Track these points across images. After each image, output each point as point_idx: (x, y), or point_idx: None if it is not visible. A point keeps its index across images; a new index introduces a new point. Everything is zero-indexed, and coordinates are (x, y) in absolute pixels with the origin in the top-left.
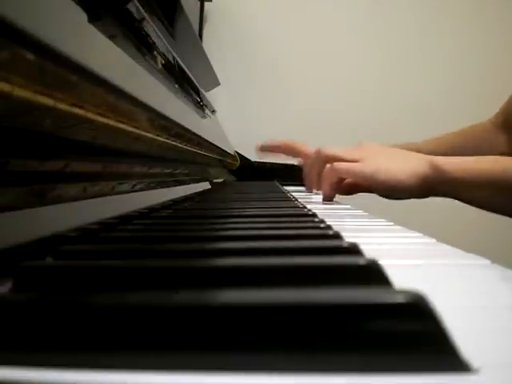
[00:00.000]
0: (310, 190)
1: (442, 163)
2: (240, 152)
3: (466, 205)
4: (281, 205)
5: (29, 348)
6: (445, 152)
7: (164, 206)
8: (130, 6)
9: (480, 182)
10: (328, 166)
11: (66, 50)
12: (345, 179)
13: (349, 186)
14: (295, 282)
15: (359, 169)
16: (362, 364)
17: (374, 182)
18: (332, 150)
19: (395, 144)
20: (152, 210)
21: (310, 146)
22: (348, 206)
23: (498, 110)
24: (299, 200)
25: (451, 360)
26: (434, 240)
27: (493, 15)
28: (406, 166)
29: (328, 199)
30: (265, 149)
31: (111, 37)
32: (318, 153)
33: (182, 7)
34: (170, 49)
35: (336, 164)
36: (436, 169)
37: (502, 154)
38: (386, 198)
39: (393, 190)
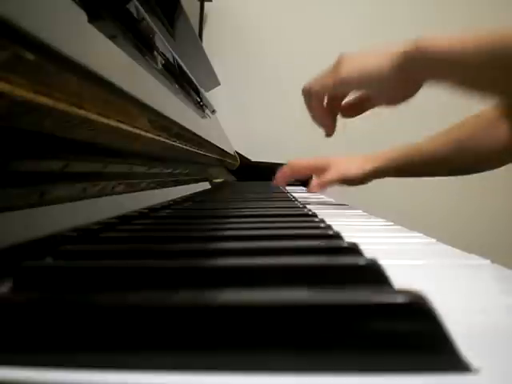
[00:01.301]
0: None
1: (429, 36)
2: (240, 152)
3: (465, 204)
4: (281, 205)
5: (29, 348)
6: (453, 148)
7: (164, 206)
8: (130, 6)
9: (483, 57)
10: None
11: (66, 50)
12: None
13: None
14: (295, 282)
15: (325, 79)
16: (362, 364)
17: (344, 85)
18: (317, 79)
19: (392, 149)
20: (152, 210)
21: (309, 147)
22: (348, 206)
23: None
24: (299, 200)
25: (451, 360)
26: (433, 240)
27: (492, 15)
28: (384, 49)
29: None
30: (282, 180)
31: (111, 37)
32: (308, 91)
33: (181, 7)
34: (170, 49)
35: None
36: (420, 42)
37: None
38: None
39: (370, 79)
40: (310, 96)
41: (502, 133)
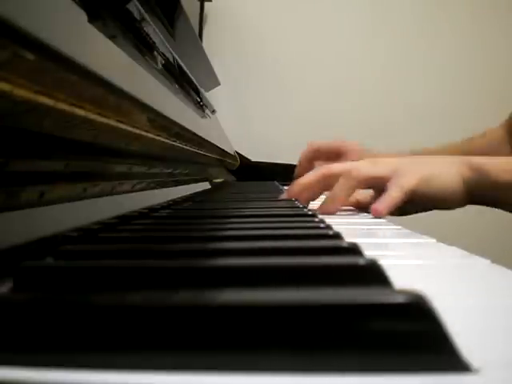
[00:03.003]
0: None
1: (483, 163)
2: (240, 152)
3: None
4: (281, 205)
5: (29, 348)
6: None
7: (164, 206)
8: (130, 6)
9: None
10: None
11: (66, 50)
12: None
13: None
14: (295, 282)
15: (407, 183)
16: (361, 364)
17: (422, 193)
18: (364, 169)
19: (402, 150)
20: (152, 210)
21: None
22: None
23: (497, 111)
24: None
25: (451, 360)
26: (434, 240)
27: (492, 15)
28: (448, 169)
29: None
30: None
31: (111, 37)
32: (348, 174)
33: (181, 7)
34: (170, 49)
35: (391, 189)
36: (477, 170)
37: None
38: (423, 211)
39: (442, 200)
40: (354, 183)
41: (508, 151)
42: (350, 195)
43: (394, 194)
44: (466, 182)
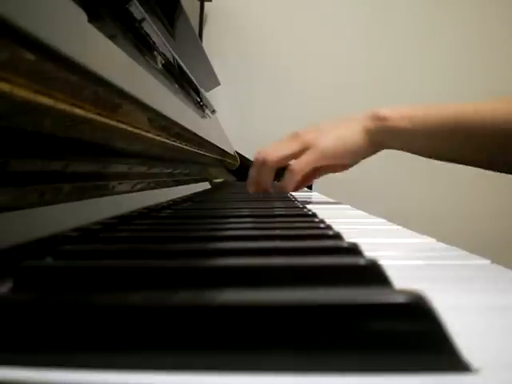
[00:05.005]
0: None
1: (384, 112)
2: (240, 152)
3: (465, 204)
4: (281, 205)
5: (29, 348)
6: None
7: (164, 206)
8: (130, 6)
9: (432, 131)
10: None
11: (66, 50)
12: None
13: (308, 178)
14: (295, 282)
15: (310, 158)
16: (361, 364)
17: (327, 160)
18: (273, 152)
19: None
20: (152, 210)
21: None
22: (347, 206)
23: None
24: (299, 200)
25: (451, 360)
26: (434, 240)
27: (492, 15)
28: (348, 129)
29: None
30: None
31: (111, 37)
32: (262, 161)
33: (181, 7)
34: (170, 49)
35: (292, 168)
36: (378, 120)
37: None
38: (349, 166)
39: (345, 157)
40: (269, 167)
41: None
42: (270, 179)
43: (295, 178)
44: (368, 132)
